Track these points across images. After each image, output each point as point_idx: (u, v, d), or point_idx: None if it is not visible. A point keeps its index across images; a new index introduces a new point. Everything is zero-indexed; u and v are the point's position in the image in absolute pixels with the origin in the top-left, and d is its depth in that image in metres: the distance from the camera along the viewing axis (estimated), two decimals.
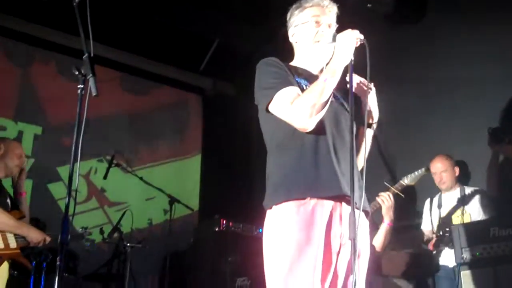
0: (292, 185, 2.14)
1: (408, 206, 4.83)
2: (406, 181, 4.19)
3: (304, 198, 2.10)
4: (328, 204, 2.12)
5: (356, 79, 2.29)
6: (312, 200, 2.10)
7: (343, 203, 2.14)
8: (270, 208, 2.18)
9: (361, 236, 2.14)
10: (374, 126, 2.41)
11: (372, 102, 2.36)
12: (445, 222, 4.30)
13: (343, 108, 2.34)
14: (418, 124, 5.07)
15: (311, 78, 2.30)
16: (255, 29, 5.89)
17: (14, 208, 3.73)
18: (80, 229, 4.37)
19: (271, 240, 2.15)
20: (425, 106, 5.06)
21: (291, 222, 2.09)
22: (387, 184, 4.18)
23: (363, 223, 2.20)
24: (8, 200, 3.71)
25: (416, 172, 4.19)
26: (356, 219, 1.89)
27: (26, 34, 5.67)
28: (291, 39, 2.51)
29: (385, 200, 4.05)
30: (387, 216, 4.06)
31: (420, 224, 4.61)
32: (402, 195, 4.14)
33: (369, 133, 2.38)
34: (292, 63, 2.45)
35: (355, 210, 1.91)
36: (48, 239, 3.69)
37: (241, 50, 6.22)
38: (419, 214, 4.65)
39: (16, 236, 3.55)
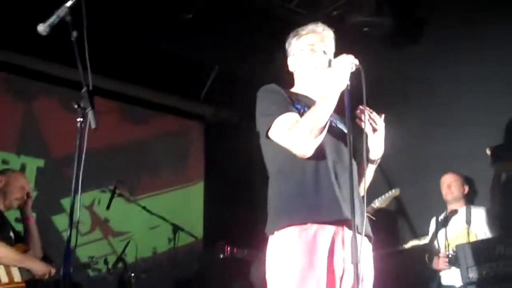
0: (293, 211, 2.14)
1: (408, 227, 4.82)
2: (377, 203, 4.21)
3: (305, 223, 2.10)
4: (330, 229, 2.12)
5: (367, 112, 2.30)
6: (313, 225, 2.10)
7: (345, 228, 2.14)
8: (272, 233, 2.19)
9: (364, 260, 2.13)
10: (378, 162, 2.41)
11: (379, 137, 2.36)
12: (450, 241, 4.28)
13: (343, 134, 2.34)
14: (421, 142, 5.08)
15: (310, 104, 2.32)
16: (255, 54, 5.94)
17: (18, 241, 3.73)
18: (87, 259, 4.33)
19: (274, 266, 2.14)
20: (427, 125, 5.07)
21: (293, 247, 2.09)
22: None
23: (366, 248, 2.19)
24: (12, 234, 3.70)
25: (386, 194, 4.21)
26: (358, 243, 1.89)
27: (28, 68, 5.72)
28: (290, 68, 2.55)
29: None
30: None
31: (419, 245, 4.59)
32: (374, 218, 4.13)
33: (372, 168, 2.39)
34: (292, 90, 2.48)
35: (357, 234, 1.91)
36: (53, 271, 3.67)
37: (241, 76, 6.26)
38: (417, 236, 4.64)
39: (21, 269, 3.53)
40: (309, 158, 2.18)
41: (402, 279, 4.69)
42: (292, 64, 2.52)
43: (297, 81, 2.53)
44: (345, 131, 2.35)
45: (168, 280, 5.44)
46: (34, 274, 3.59)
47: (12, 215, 3.85)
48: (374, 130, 2.34)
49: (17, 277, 3.49)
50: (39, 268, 3.62)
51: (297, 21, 2.59)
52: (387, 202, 4.21)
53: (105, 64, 5.41)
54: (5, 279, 3.42)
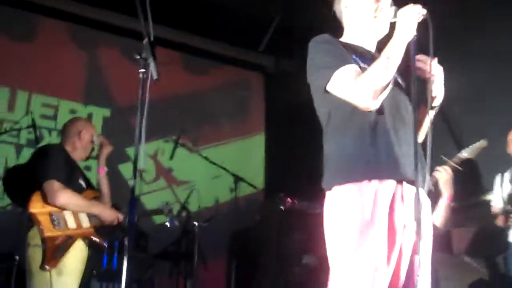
0: (352, 168, 2.10)
1: (476, 182, 4.68)
2: (465, 154, 4.02)
3: (365, 180, 2.06)
4: (390, 185, 2.07)
5: (421, 58, 2.20)
6: (373, 181, 2.06)
7: (404, 183, 2.09)
8: (330, 189, 2.15)
9: (425, 216, 2.08)
10: (437, 108, 2.30)
11: (438, 81, 2.23)
12: None
13: (401, 88, 2.27)
14: (488, 97, 4.87)
15: (367, 55, 2.23)
16: (314, 4, 5.79)
17: (90, 188, 3.84)
18: (162, 204, 4.39)
19: (334, 221, 2.12)
20: (493, 80, 4.84)
21: (353, 203, 2.05)
22: (444, 158, 4.03)
23: (426, 204, 2.14)
24: (82, 181, 3.80)
25: (474, 145, 4.02)
26: (420, 200, 1.84)
27: (90, 18, 5.82)
28: (344, 12, 2.41)
29: (442, 174, 3.91)
30: (446, 191, 3.91)
31: (489, 200, 4.45)
32: (460, 168, 3.98)
33: (431, 114, 2.29)
34: (344, 39, 2.36)
35: (418, 190, 1.86)
36: (121, 217, 3.74)
37: (301, 26, 6.13)
38: (488, 190, 4.48)
39: (89, 215, 3.61)
40: (368, 114, 2.11)
41: (470, 235, 4.62)
42: (347, 8, 2.39)
43: (349, 28, 2.41)
44: (402, 83, 2.27)
45: (230, 229, 5.55)
46: (102, 220, 3.66)
47: (82, 163, 3.96)
48: (429, 73, 2.21)
49: (85, 222, 3.56)
50: (107, 214, 3.68)
51: None
52: (475, 153, 4.04)
53: (167, 15, 5.42)
54: (72, 225, 3.48)
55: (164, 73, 2.16)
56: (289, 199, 5.07)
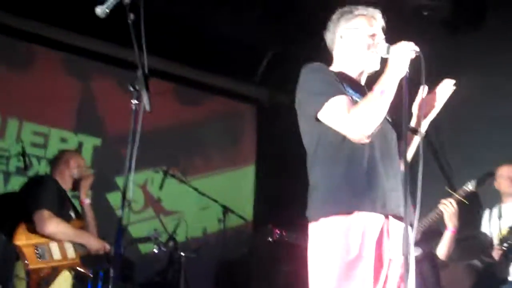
0: (341, 200, 2.10)
1: (469, 215, 4.70)
2: (470, 186, 4.05)
3: (353, 212, 2.06)
4: (378, 219, 2.08)
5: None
6: (362, 214, 2.06)
7: (390, 218, 2.10)
8: (317, 220, 2.14)
9: (411, 252, 2.09)
10: (423, 133, 2.31)
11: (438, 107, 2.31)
12: (506, 234, 4.16)
13: (388, 121, 2.30)
14: (478, 130, 4.94)
15: (358, 87, 2.27)
16: (310, 36, 5.86)
17: (78, 218, 3.84)
18: (151, 232, 4.43)
19: (320, 254, 2.11)
20: (485, 113, 4.91)
21: (342, 237, 2.05)
22: (449, 190, 4.06)
23: (411, 239, 2.16)
24: (72, 212, 3.83)
25: (479, 178, 4.06)
26: (409, 235, 1.85)
27: (86, 49, 5.86)
28: (337, 42, 2.43)
29: (448, 206, 3.94)
30: (451, 223, 3.94)
31: (480, 234, 4.47)
32: (466, 202, 4.01)
33: (417, 140, 2.33)
34: (333, 69, 2.38)
35: (406, 225, 1.88)
36: (107, 246, 3.77)
37: (296, 59, 6.19)
38: (479, 225, 4.51)
39: (76, 245, 3.63)
40: (357, 145, 2.12)
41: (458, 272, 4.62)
42: (342, 39, 2.41)
43: (339, 58, 2.43)
44: (388, 119, 2.31)
45: (217, 261, 5.51)
46: (88, 249, 3.68)
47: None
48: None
49: (70, 253, 3.58)
50: (94, 243, 3.72)
51: (352, 3, 2.48)
52: (481, 186, 4.08)
53: (161, 46, 5.45)
54: (57, 256, 3.50)
55: (157, 103, 2.18)
56: (277, 231, 5.05)
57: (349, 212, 2.07)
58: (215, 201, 5.19)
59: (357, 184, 2.10)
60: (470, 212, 4.41)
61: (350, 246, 2.03)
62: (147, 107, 2.12)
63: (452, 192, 4.00)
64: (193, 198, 5.60)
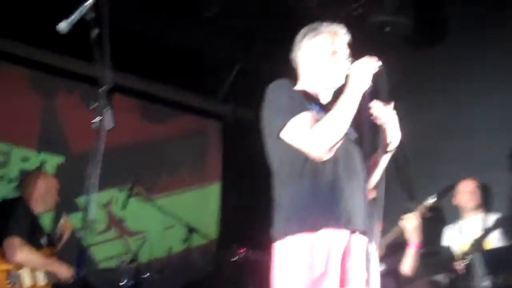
0: (305, 217, 2.10)
1: (431, 230, 4.76)
2: (431, 201, 4.12)
3: (318, 230, 2.07)
4: (342, 235, 2.09)
5: (375, 105, 2.27)
6: (326, 230, 2.07)
7: (353, 234, 2.12)
8: (281, 238, 2.13)
9: (374, 268, 2.10)
10: (391, 153, 2.35)
11: (392, 127, 2.29)
12: (467, 249, 4.22)
13: (350, 138, 2.31)
14: (439, 146, 5.03)
15: (321, 104, 2.28)
16: (275, 53, 5.91)
17: (51, 245, 3.82)
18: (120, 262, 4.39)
19: (284, 272, 2.10)
20: (446, 129, 5.01)
21: (307, 255, 2.06)
22: (411, 205, 4.12)
23: (375, 255, 2.17)
24: (44, 238, 3.80)
25: (439, 192, 4.13)
26: (371, 251, 1.86)
27: (49, 65, 5.77)
28: (301, 61, 2.47)
29: (410, 221, 3.99)
30: (413, 238, 3.99)
31: (442, 249, 4.53)
32: (427, 216, 4.07)
33: (386, 158, 2.34)
34: (299, 87, 2.40)
35: (368, 241, 1.89)
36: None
37: (260, 75, 6.23)
38: (440, 240, 4.58)
39: (47, 272, 3.61)
40: (321, 163, 2.13)
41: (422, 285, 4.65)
42: (306, 58, 2.44)
43: (304, 76, 2.46)
44: (354, 134, 2.33)
45: (182, 281, 5.43)
46: (59, 277, 3.65)
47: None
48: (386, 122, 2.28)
49: (41, 281, 3.57)
50: (64, 271, 3.68)
51: (318, 20, 2.52)
52: (442, 199, 4.14)
53: (126, 62, 5.42)
54: (28, 283, 3.48)
55: (121, 120, 2.16)
56: (242, 250, 5.02)
57: (313, 229, 2.07)
58: (179, 220, 5.13)
59: (321, 201, 2.11)
60: (433, 227, 4.49)
61: (315, 263, 2.03)
62: (110, 124, 2.09)
63: (413, 207, 4.06)
64: (158, 217, 5.53)
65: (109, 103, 2.12)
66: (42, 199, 3.88)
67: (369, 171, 2.29)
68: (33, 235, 3.66)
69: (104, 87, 2.13)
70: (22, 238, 3.48)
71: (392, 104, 2.26)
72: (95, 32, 2.13)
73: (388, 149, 2.31)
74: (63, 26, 2.13)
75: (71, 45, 4.82)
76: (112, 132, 2.15)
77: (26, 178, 4.03)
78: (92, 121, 2.13)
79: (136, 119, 6.35)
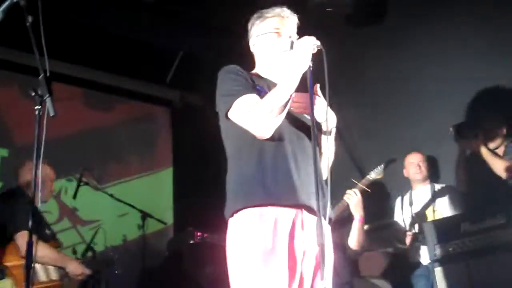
0: (250, 194, 2.14)
1: (381, 204, 4.88)
2: (373, 175, 4.24)
3: (263, 205, 2.10)
4: (289, 211, 2.13)
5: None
6: (273, 208, 2.10)
7: (304, 211, 2.15)
8: (231, 216, 2.18)
9: (326, 242, 2.14)
10: (333, 132, 2.39)
11: (321, 108, 2.28)
12: (417, 219, 4.35)
13: (303, 116, 2.34)
14: (385, 123, 5.13)
15: (271, 86, 2.31)
16: (220, 38, 5.89)
17: (52, 238, 3.80)
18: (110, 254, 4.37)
19: (235, 248, 2.14)
20: (391, 105, 5.11)
21: (253, 230, 2.10)
22: (354, 181, 4.22)
23: (327, 230, 2.21)
24: (48, 230, 3.79)
25: (380, 166, 4.24)
26: (322, 225, 1.90)
27: None
28: (252, 49, 2.54)
29: (352, 197, 4.09)
30: (357, 213, 4.10)
31: (393, 222, 4.65)
32: (369, 190, 4.18)
33: (328, 140, 2.36)
34: (254, 71, 2.48)
35: (320, 216, 1.92)
36: (87, 272, 3.81)
37: (206, 60, 6.21)
38: (392, 212, 4.70)
39: (57, 267, 3.63)
40: (268, 141, 2.19)
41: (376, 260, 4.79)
42: (255, 45, 2.51)
43: (258, 63, 2.53)
44: (305, 115, 2.35)
45: (139, 267, 5.40)
46: (69, 274, 3.66)
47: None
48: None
49: (53, 275, 3.60)
50: (75, 268, 3.71)
51: (261, 4, 2.58)
52: (382, 174, 4.23)
53: (68, 50, 5.31)
54: (43, 278, 3.50)
55: (65, 110, 2.12)
56: (198, 233, 5.03)
57: (260, 205, 2.12)
58: (133, 206, 5.09)
59: (266, 179, 2.15)
60: (378, 201, 4.61)
61: (263, 240, 2.07)
62: (51, 112, 2.04)
63: (356, 182, 4.16)
64: (110, 205, 5.46)
65: (49, 91, 2.06)
66: (48, 188, 3.85)
67: (318, 152, 2.33)
68: (41, 228, 3.62)
69: (42, 75, 2.07)
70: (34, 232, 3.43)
71: (318, 85, 2.29)
72: (29, 19, 2.06)
73: (325, 129, 2.34)
74: None
75: (5, 33, 4.67)
76: (56, 121, 2.10)
77: (21, 168, 3.86)
78: (35, 108, 2.07)
79: (81, 107, 6.23)
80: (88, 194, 5.28)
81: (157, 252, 5.65)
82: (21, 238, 3.39)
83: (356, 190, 4.12)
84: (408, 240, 4.33)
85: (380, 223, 4.75)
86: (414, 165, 4.50)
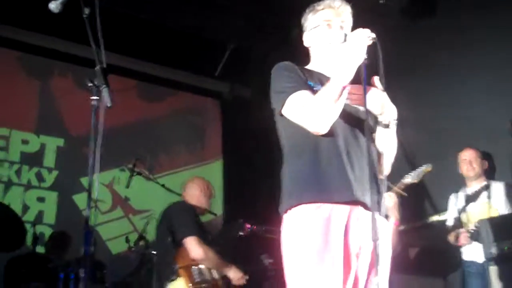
0: (304, 190, 2.12)
1: (425, 204, 4.78)
2: (409, 179, 4.14)
3: (318, 202, 2.08)
4: (345, 208, 2.09)
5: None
6: (327, 204, 2.08)
7: (360, 207, 2.11)
8: (286, 212, 2.17)
9: (383, 238, 2.08)
10: (392, 125, 2.27)
11: (379, 100, 2.24)
12: (471, 217, 4.24)
13: (358, 111, 2.28)
14: (439, 118, 5.00)
15: (324, 81, 2.27)
16: (270, 31, 5.88)
17: (212, 245, 4.02)
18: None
19: (289, 244, 2.13)
20: (445, 100, 4.98)
21: (308, 226, 2.07)
22: (389, 184, 4.12)
23: (384, 226, 2.17)
24: (209, 237, 4.06)
25: (418, 169, 4.14)
26: (377, 222, 1.86)
27: (41, 47, 5.74)
28: (305, 43, 2.50)
29: (387, 200, 4.00)
30: (392, 216, 4.03)
31: (439, 220, 4.54)
32: (405, 194, 4.09)
33: (388, 133, 2.28)
34: (308, 67, 2.44)
35: (375, 213, 1.89)
36: (246, 277, 4.00)
37: (256, 53, 6.21)
38: (440, 211, 4.59)
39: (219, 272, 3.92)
40: (322, 137, 2.15)
41: (424, 255, 4.69)
42: (308, 39, 2.48)
43: (312, 57, 2.49)
44: (360, 109, 2.29)
45: None
46: (232, 280, 3.92)
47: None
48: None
49: (215, 274, 3.90)
50: (234, 274, 3.94)
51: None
52: (419, 177, 4.14)
53: (121, 42, 5.40)
54: (208, 277, 3.80)
55: (119, 101, 2.14)
56: (248, 225, 5.04)
57: (314, 201, 2.09)
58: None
59: (320, 175, 2.13)
60: (418, 203, 4.50)
61: (317, 235, 2.05)
62: (108, 102, 2.07)
63: (391, 186, 4.06)
64: (162, 195, 5.53)
65: (106, 82, 2.09)
66: (199, 200, 4.24)
67: (376, 150, 2.28)
68: (202, 235, 3.88)
69: (98, 66, 2.10)
70: (199, 238, 3.77)
71: (377, 78, 2.22)
72: (86, 11, 2.10)
73: (384, 122, 2.28)
74: (53, 5, 2.11)
75: (63, 26, 4.79)
76: (110, 112, 2.13)
77: (185, 185, 4.43)
78: (91, 99, 2.10)
79: (134, 99, 6.36)
80: (140, 184, 5.38)
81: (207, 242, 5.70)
82: (190, 241, 3.75)
83: (392, 193, 4.05)
84: (462, 238, 4.21)
85: (422, 223, 4.64)
86: (466, 162, 4.39)
